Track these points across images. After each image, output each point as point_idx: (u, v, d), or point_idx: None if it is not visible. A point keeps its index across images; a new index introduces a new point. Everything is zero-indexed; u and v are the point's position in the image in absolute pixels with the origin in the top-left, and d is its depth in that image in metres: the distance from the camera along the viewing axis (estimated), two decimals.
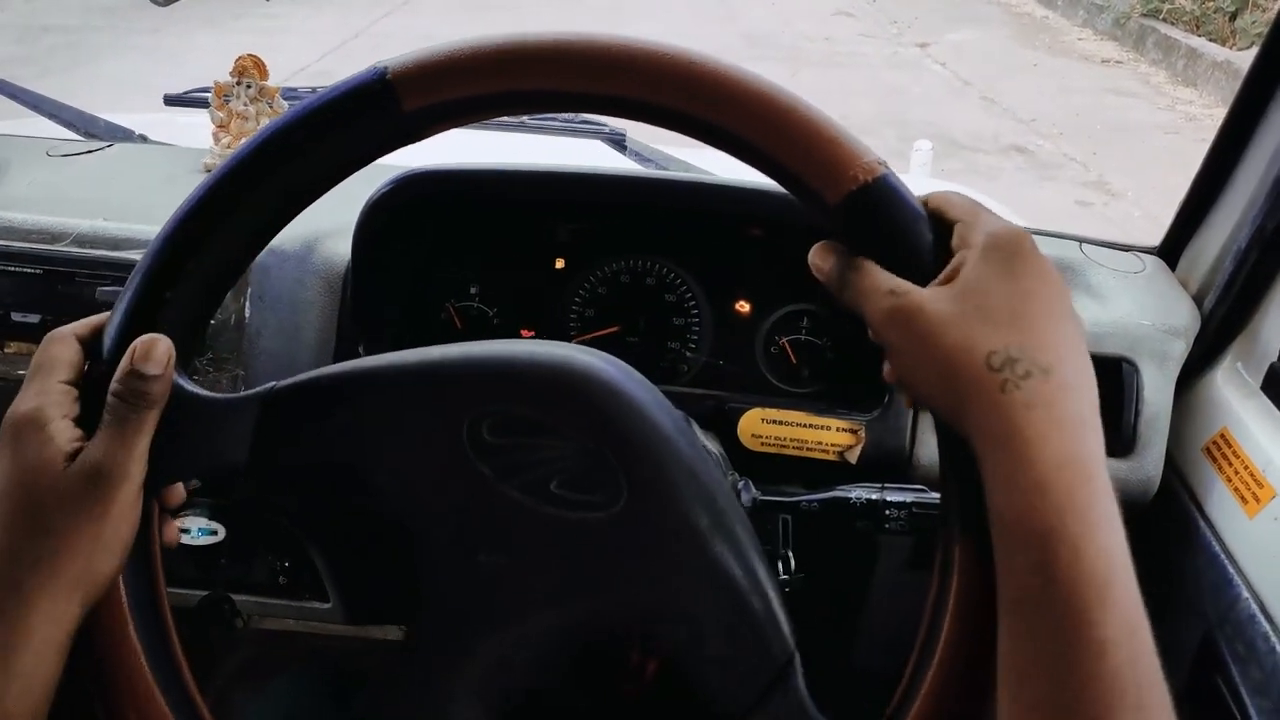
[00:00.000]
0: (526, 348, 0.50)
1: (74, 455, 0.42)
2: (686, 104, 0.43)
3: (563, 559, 0.48)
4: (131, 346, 0.44)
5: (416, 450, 0.49)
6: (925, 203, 0.44)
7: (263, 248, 0.48)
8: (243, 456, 0.48)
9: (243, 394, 0.48)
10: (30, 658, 0.40)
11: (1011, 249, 0.40)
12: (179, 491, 0.49)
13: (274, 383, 0.49)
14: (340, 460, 0.49)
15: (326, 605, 0.93)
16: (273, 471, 0.49)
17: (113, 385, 0.43)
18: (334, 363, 0.83)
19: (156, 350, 0.44)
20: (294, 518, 0.66)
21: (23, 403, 0.43)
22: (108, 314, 0.46)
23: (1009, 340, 0.38)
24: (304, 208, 0.48)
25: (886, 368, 0.45)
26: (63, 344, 0.45)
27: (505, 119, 1.20)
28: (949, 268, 0.41)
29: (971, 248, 0.41)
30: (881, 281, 0.42)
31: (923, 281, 0.42)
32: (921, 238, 0.43)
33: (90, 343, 0.46)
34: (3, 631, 0.40)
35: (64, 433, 0.43)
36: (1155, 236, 0.99)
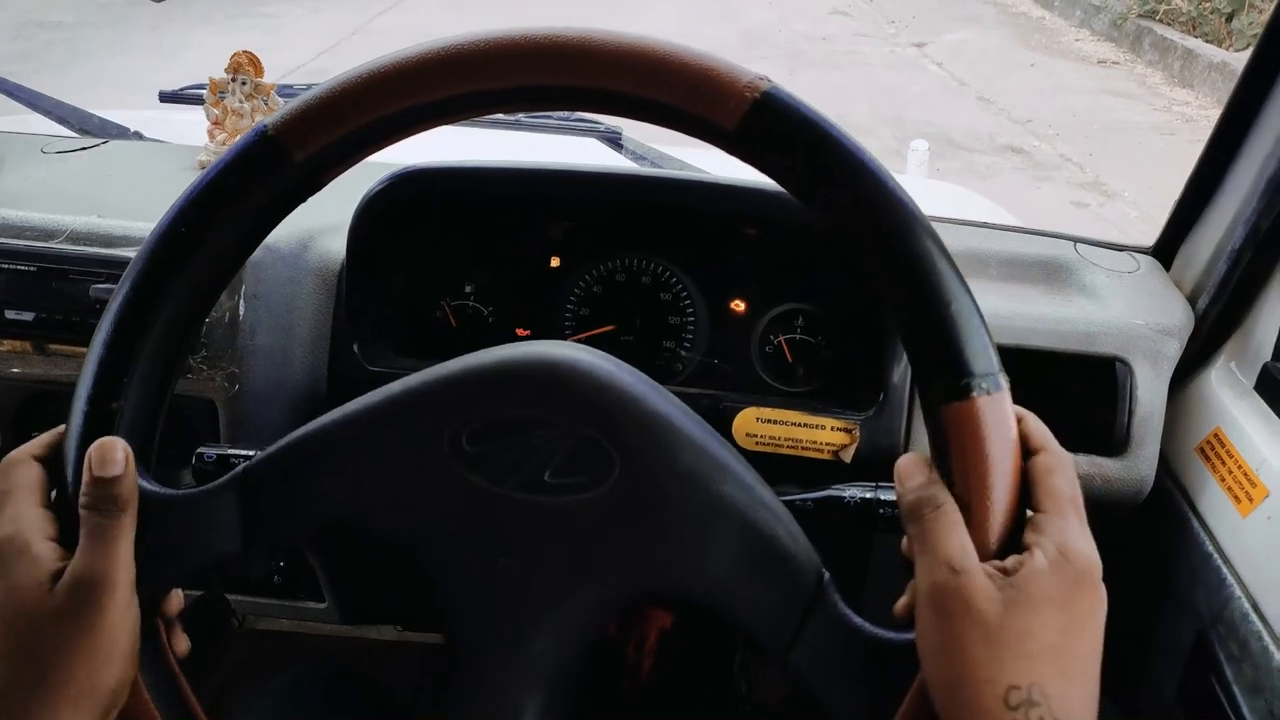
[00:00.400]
0: (486, 355, 0.50)
1: (59, 574, 0.42)
2: (568, 79, 0.44)
3: (578, 542, 0.48)
4: (87, 455, 0.44)
5: (406, 481, 0.48)
6: (1020, 420, 0.43)
7: (200, 328, 0.48)
8: (235, 546, 0.48)
9: (216, 483, 0.48)
10: None
11: (1080, 576, 0.39)
12: (178, 599, 0.49)
13: (245, 462, 0.49)
14: (333, 516, 0.49)
15: (322, 605, 0.93)
16: (269, 547, 0.49)
17: (80, 498, 0.44)
18: (330, 362, 0.83)
19: (113, 453, 0.44)
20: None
21: None
22: (61, 428, 0.46)
23: (1034, 679, 0.37)
24: (230, 278, 0.49)
25: (903, 603, 0.45)
26: (23, 467, 0.45)
27: (501, 117, 1.20)
28: (1013, 561, 0.40)
29: (1044, 553, 0.39)
30: (948, 548, 0.40)
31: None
32: (810, 146, 0.43)
33: (50, 460, 0.46)
34: None
35: (46, 553, 0.43)
36: (1151, 237, 1.00)
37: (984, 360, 0.42)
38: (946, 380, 0.42)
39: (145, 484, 0.47)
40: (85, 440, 0.45)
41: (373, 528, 0.49)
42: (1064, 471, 0.42)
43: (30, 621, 0.42)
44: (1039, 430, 0.43)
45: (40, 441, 0.47)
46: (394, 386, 0.50)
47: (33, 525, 0.43)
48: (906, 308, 0.42)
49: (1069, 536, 0.40)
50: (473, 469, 0.48)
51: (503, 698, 0.49)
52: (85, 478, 0.44)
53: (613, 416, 0.48)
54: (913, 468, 0.44)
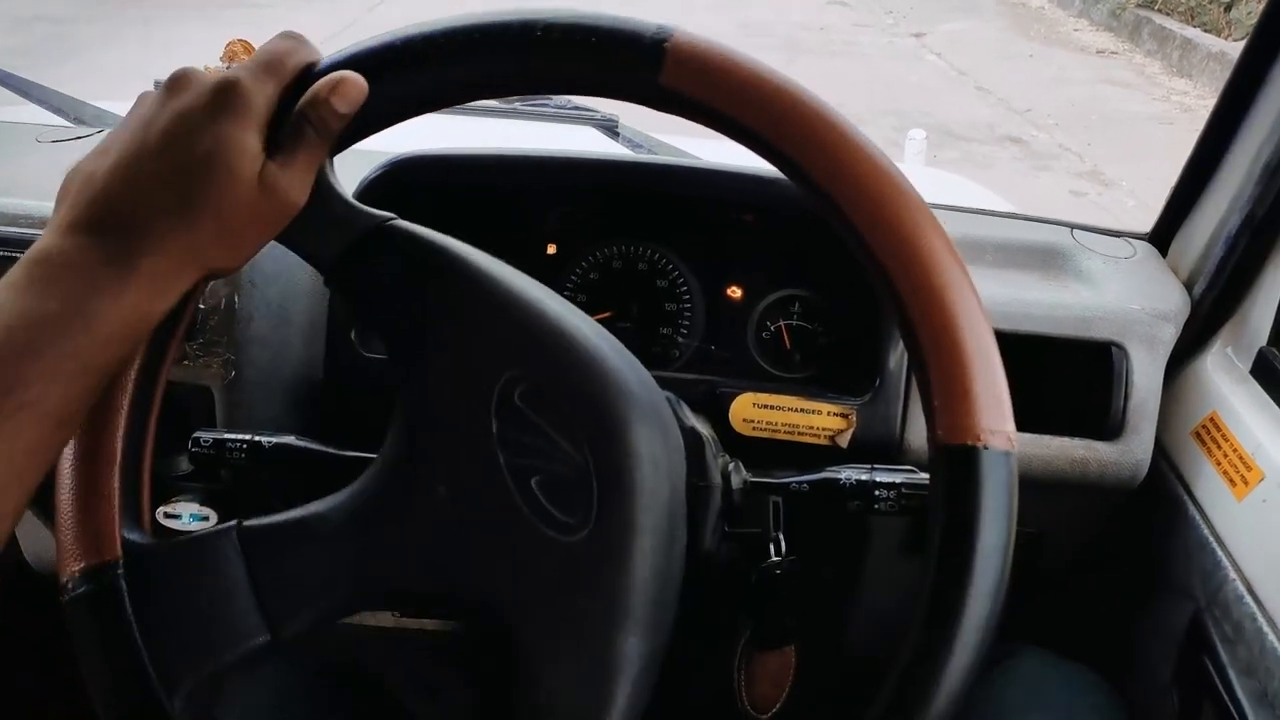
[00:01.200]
0: (581, 324, 0.50)
1: (261, 154, 0.42)
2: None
3: (507, 559, 0.48)
4: (336, 76, 0.43)
5: (464, 357, 0.49)
6: None
7: (433, 109, 0.48)
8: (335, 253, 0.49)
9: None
10: (162, 285, 0.41)
11: None
12: None
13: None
14: (410, 304, 0.50)
15: None
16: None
17: (302, 104, 0.43)
18: (326, 350, 0.83)
19: (354, 90, 0.43)
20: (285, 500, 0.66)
21: (244, 78, 0.43)
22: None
23: None
24: (501, 94, 0.50)
25: None
26: (293, 51, 0.45)
27: (497, 104, 1.19)
28: None
29: None
30: None
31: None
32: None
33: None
34: (142, 267, 0.40)
35: (264, 133, 0.43)
36: (1149, 226, 1.00)
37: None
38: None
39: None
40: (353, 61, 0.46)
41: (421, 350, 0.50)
42: None
43: (229, 176, 0.41)
44: None
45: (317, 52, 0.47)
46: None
47: (271, 102, 0.43)
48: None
49: None
50: (500, 418, 0.48)
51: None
52: (320, 92, 0.43)
53: (617, 478, 0.47)
54: None
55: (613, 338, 0.52)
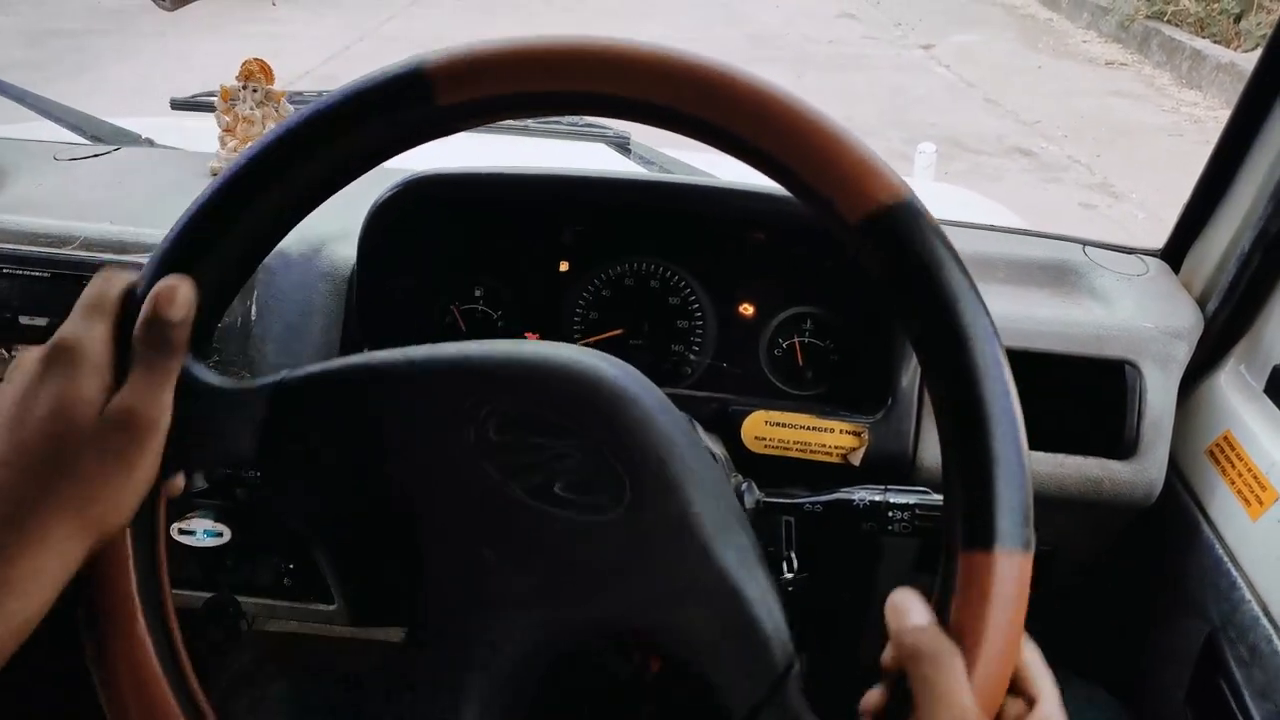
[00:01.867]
0: (533, 348, 0.50)
1: (107, 398, 0.42)
2: (725, 121, 0.44)
3: (565, 560, 0.48)
4: (153, 291, 0.43)
5: (425, 444, 0.49)
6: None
7: (286, 232, 0.48)
8: (250, 447, 0.48)
9: (252, 384, 0.49)
10: (33, 588, 0.39)
11: None
12: (178, 482, 0.49)
13: (284, 373, 0.49)
14: (347, 452, 0.49)
15: (331, 607, 0.93)
16: (279, 462, 0.50)
17: (136, 330, 0.43)
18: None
19: (178, 294, 0.43)
20: (299, 517, 0.66)
21: (68, 332, 0.43)
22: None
23: None
24: (327, 196, 0.48)
25: None
26: (111, 283, 0.45)
27: (510, 123, 1.20)
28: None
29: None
30: (958, 700, 0.39)
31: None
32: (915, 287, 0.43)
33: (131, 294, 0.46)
34: (12, 552, 0.39)
35: (102, 373, 0.42)
36: (1159, 238, 0.99)
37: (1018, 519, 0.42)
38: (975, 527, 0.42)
39: (191, 365, 0.46)
40: (162, 265, 0.45)
41: (376, 475, 0.49)
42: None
43: (71, 435, 0.41)
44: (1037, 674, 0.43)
45: (136, 274, 0.46)
46: (446, 348, 0.50)
47: (99, 341, 0.43)
48: (957, 450, 0.42)
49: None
50: (490, 457, 0.48)
51: (444, 677, 0.49)
52: (146, 311, 0.43)
53: (641, 454, 0.48)
54: (911, 605, 0.43)
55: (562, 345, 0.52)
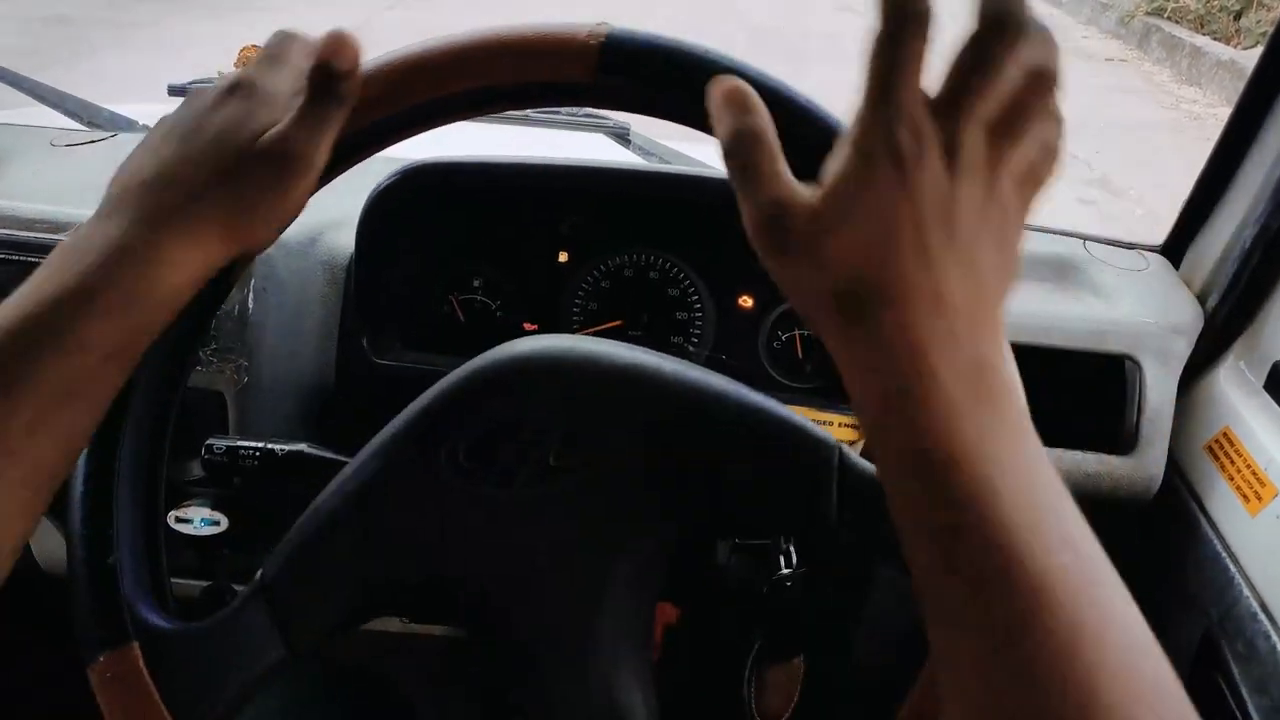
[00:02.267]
0: (449, 376, 0.50)
1: (271, 127, 0.44)
2: (425, 94, 0.46)
3: (605, 510, 0.48)
4: (325, 40, 0.45)
5: (427, 523, 0.49)
6: None
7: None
8: (279, 653, 0.48)
9: (239, 602, 0.48)
10: (179, 268, 0.41)
11: (903, 155, 0.34)
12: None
13: (259, 571, 0.49)
14: (373, 591, 0.49)
15: None
16: (311, 640, 0.49)
17: (309, 74, 0.45)
18: (338, 356, 0.83)
19: (347, 46, 0.45)
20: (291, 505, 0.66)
21: (247, 72, 0.45)
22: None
23: (855, 272, 0.34)
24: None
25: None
26: (290, 37, 0.48)
27: (510, 112, 1.20)
28: (828, 174, 0.36)
29: (855, 150, 0.35)
30: (763, 169, 0.37)
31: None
32: (673, 69, 0.43)
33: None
34: (170, 233, 0.41)
35: (272, 109, 0.44)
36: (1157, 235, 0.99)
37: None
38: None
39: (167, 624, 0.46)
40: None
41: (409, 582, 0.49)
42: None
43: (234, 149, 0.43)
44: None
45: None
46: (377, 440, 0.50)
47: (276, 83, 0.45)
48: None
49: (886, 125, 0.35)
50: (479, 482, 0.48)
51: (592, 693, 0.48)
52: (318, 58, 0.45)
53: (588, 388, 0.48)
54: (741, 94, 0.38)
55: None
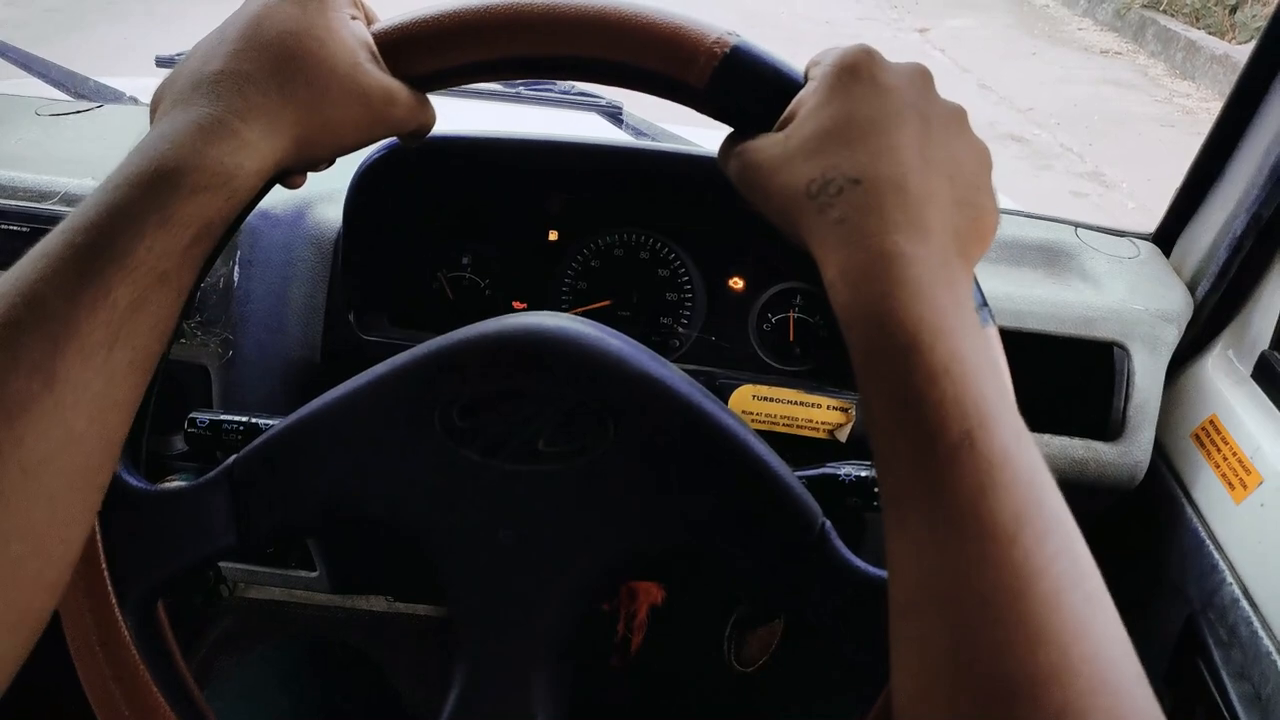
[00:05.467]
0: (465, 330, 0.50)
1: (356, 59, 0.44)
2: (540, 49, 0.44)
3: (578, 507, 0.48)
4: None
5: (399, 464, 0.48)
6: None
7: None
8: (230, 540, 0.48)
9: (206, 478, 0.48)
10: (249, 157, 0.40)
11: (841, 68, 0.40)
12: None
13: (233, 455, 0.49)
14: (327, 505, 0.49)
15: (313, 574, 0.93)
16: (264, 539, 0.49)
17: None
18: (324, 332, 0.83)
19: None
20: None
21: None
22: None
23: (825, 163, 0.38)
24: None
25: None
26: None
27: (502, 89, 1.19)
28: (788, 110, 0.41)
29: (809, 82, 0.41)
30: (733, 144, 0.43)
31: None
32: (780, 91, 0.43)
33: None
34: (241, 119, 0.40)
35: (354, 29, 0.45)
36: (1148, 229, 0.99)
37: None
38: None
39: (134, 481, 0.46)
40: None
41: (368, 514, 0.49)
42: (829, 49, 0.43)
43: (326, 54, 0.43)
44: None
45: None
46: (380, 369, 0.49)
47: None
48: None
49: (826, 57, 0.41)
50: (465, 444, 0.48)
51: (510, 672, 0.48)
52: None
53: (603, 381, 0.48)
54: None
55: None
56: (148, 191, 0.37)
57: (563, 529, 0.48)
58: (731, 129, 0.46)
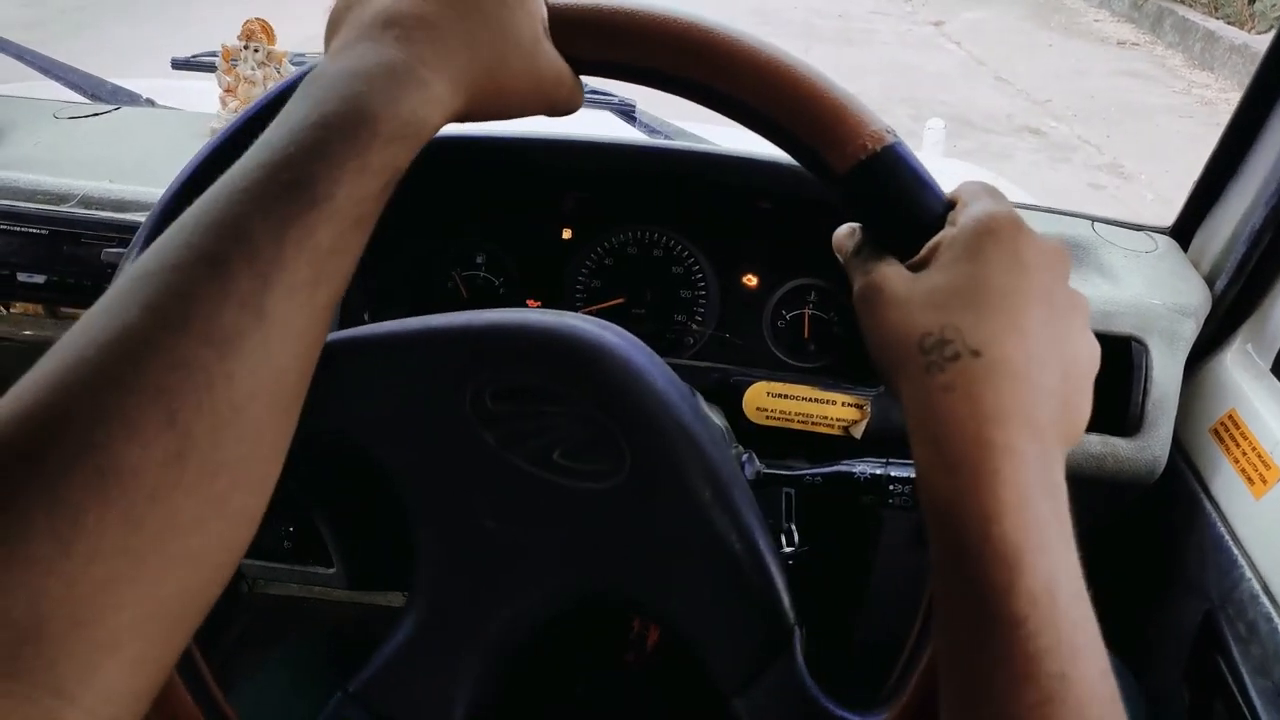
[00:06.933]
0: (530, 316, 0.49)
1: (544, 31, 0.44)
2: (700, 75, 0.43)
3: (566, 528, 0.48)
4: None
5: (419, 416, 0.48)
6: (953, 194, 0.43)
7: None
8: None
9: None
10: (432, 101, 0.39)
11: (987, 229, 0.38)
12: None
13: None
14: (341, 426, 0.49)
15: (330, 570, 0.93)
16: None
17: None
18: (339, 327, 0.83)
19: None
20: (300, 483, 0.66)
21: None
22: None
23: (946, 321, 0.36)
24: None
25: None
26: None
27: None
28: (926, 248, 0.40)
29: (953, 227, 0.40)
30: (865, 256, 0.42)
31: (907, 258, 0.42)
32: (923, 211, 0.42)
33: None
34: (430, 67, 0.40)
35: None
36: (1167, 221, 0.99)
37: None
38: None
39: None
40: None
41: (374, 451, 0.49)
42: (976, 184, 0.43)
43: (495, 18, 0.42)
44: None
45: None
46: (435, 319, 0.49)
47: None
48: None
49: (975, 206, 0.40)
50: (487, 426, 0.48)
51: (446, 659, 0.49)
52: None
53: (640, 420, 0.47)
54: (847, 231, 0.46)
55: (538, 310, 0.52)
56: (348, 136, 0.37)
57: (547, 543, 0.48)
58: (859, 225, 0.45)
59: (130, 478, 0.29)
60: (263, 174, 0.35)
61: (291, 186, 0.35)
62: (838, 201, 0.44)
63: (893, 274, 0.40)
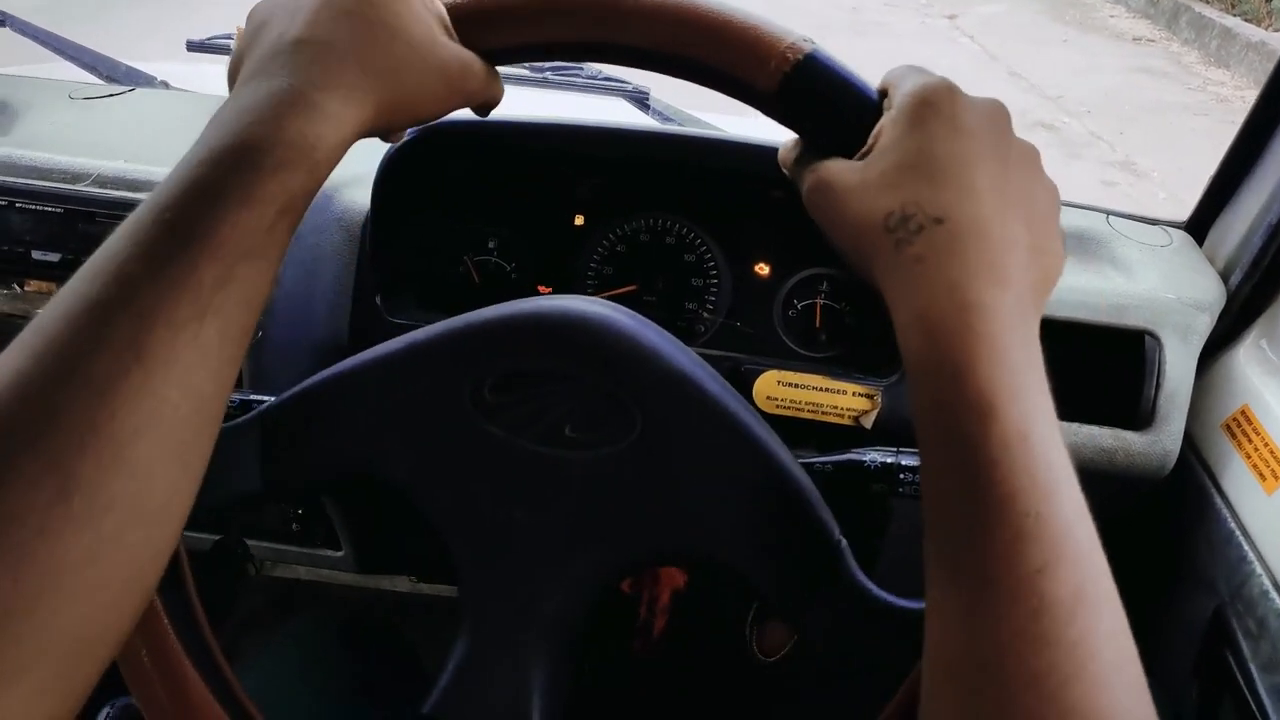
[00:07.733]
0: (508, 307, 0.50)
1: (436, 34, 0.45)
2: (607, 36, 0.44)
3: (594, 498, 0.48)
4: None
5: (425, 430, 0.49)
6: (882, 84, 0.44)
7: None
8: (254, 485, 0.48)
9: (238, 421, 0.49)
10: (333, 126, 0.40)
11: (923, 101, 0.39)
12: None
13: (269, 400, 0.49)
14: (351, 462, 0.49)
15: (338, 553, 0.94)
16: (287, 490, 0.50)
17: None
18: (351, 314, 0.84)
19: None
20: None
21: None
22: None
23: (905, 198, 0.37)
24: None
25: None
26: None
27: (529, 74, 1.19)
28: (871, 137, 0.41)
29: (890, 110, 0.41)
30: (808, 160, 0.43)
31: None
32: (858, 105, 0.42)
33: None
34: (326, 90, 0.40)
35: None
36: (1179, 219, 0.98)
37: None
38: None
39: None
40: None
41: (389, 477, 0.49)
42: (903, 67, 0.44)
43: (418, 31, 0.43)
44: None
45: None
46: (417, 334, 0.50)
47: None
48: None
49: (906, 84, 0.41)
50: (492, 419, 0.48)
51: (511, 653, 0.49)
52: None
53: (636, 374, 0.48)
54: (790, 145, 0.46)
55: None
56: (230, 170, 0.37)
57: (578, 517, 0.48)
58: (798, 136, 0.45)
59: (15, 519, 0.30)
60: (148, 216, 0.36)
61: (172, 226, 0.35)
62: (779, 120, 0.44)
63: (838, 168, 0.41)
